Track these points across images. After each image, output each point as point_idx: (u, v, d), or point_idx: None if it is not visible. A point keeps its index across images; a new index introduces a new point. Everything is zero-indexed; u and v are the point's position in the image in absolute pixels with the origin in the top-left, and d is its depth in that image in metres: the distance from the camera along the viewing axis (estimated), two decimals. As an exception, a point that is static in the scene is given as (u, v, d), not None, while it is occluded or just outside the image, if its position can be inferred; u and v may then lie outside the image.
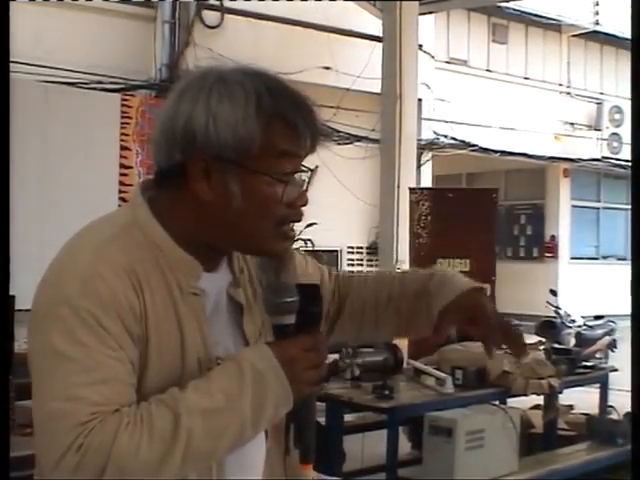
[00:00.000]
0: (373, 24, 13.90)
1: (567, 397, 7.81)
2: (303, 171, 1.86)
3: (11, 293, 4.69)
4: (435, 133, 17.75)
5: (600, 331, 12.42)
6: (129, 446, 1.59)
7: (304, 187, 1.87)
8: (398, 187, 11.97)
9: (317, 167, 1.85)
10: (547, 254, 22.73)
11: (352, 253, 17.01)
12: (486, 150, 19.17)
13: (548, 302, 13.38)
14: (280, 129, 1.79)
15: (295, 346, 1.77)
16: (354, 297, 2.23)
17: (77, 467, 1.58)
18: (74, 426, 1.59)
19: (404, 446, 7.26)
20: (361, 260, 17.06)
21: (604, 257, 23.26)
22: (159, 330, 1.75)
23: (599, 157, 21.73)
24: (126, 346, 1.69)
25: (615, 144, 21.52)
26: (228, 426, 1.68)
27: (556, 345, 8.08)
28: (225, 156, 1.76)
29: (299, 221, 1.87)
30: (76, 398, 1.61)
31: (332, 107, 13.87)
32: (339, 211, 15.66)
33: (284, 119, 1.79)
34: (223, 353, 1.83)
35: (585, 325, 12.80)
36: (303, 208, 1.87)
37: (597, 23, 21.98)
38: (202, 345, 1.81)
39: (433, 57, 17.68)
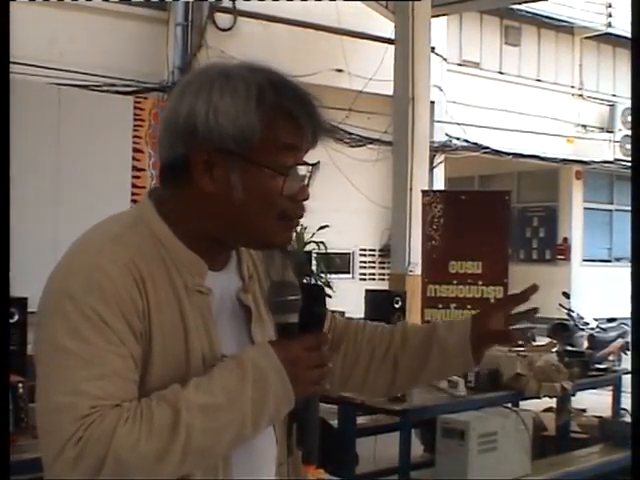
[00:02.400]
0: (385, 26, 13.92)
1: (580, 400, 7.81)
2: (304, 164, 1.87)
3: (24, 295, 4.73)
4: (447, 135, 17.75)
5: (613, 333, 12.40)
6: (128, 440, 1.59)
7: (306, 182, 1.87)
8: (410, 189, 11.99)
9: (319, 162, 1.85)
10: (560, 256, 22.70)
11: (364, 255, 17.03)
12: (498, 152, 19.16)
13: (561, 305, 13.37)
14: (282, 122, 1.80)
15: (298, 345, 1.77)
16: (350, 344, 2.19)
17: (76, 460, 1.59)
18: (74, 419, 1.60)
19: (417, 448, 7.26)
20: (373, 262, 17.08)
21: (617, 259, 23.19)
22: (163, 327, 1.76)
23: (612, 159, 21.69)
24: (128, 342, 1.70)
25: (628, 146, 21.43)
26: (228, 423, 1.68)
27: (569, 348, 8.07)
28: (226, 148, 1.78)
29: (301, 216, 1.88)
30: (77, 392, 1.62)
31: (344, 109, 13.91)
32: (351, 213, 15.69)
33: (286, 112, 1.80)
34: (226, 353, 1.83)
35: (598, 327, 12.79)
36: (305, 203, 1.87)
37: (610, 25, 21.96)
38: (207, 343, 1.82)
39: (445, 59, 17.70)
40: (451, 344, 2.12)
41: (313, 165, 1.87)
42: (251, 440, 1.77)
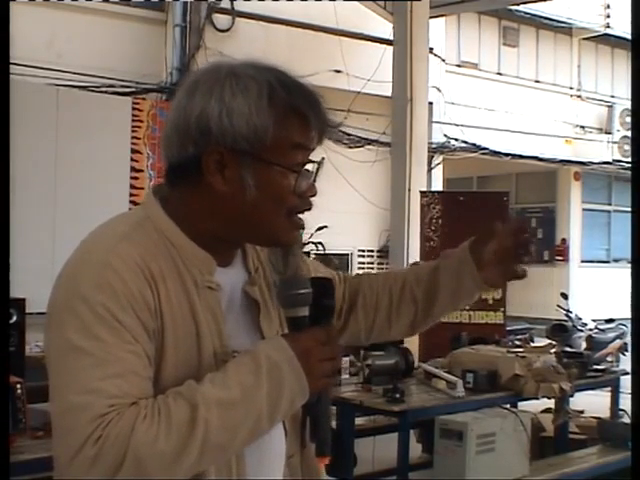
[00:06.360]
0: (384, 27, 13.92)
1: (578, 401, 7.80)
2: (311, 162, 1.88)
3: (22, 296, 4.72)
4: (446, 136, 17.74)
5: (611, 334, 12.37)
6: (147, 438, 1.60)
7: (312, 178, 1.89)
8: (409, 190, 11.98)
9: (323, 159, 1.87)
10: (558, 257, 22.71)
11: (363, 256, 17.02)
12: (497, 153, 19.16)
13: (559, 305, 13.34)
14: (292, 121, 1.82)
15: (310, 338, 1.78)
16: (366, 292, 2.23)
17: (95, 459, 1.59)
18: (92, 418, 1.61)
19: (415, 449, 7.26)
20: (372, 263, 17.07)
21: (615, 260, 23.21)
22: (175, 324, 1.77)
23: (610, 160, 21.70)
24: (142, 340, 1.71)
25: (626, 147, 21.46)
26: (245, 418, 1.69)
27: (567, 348, 8.06)
28: (239, 148, 1.78)
29: (309, 209, 1.89)
30: (93, 391, 1.63)
31: (343, 110, 13.88)
32: (350, 214, 15.68)
33: (296, 111, 1.82)
34: (238, 347, 1.84)
35: (596, 328, 12.76)
36: (312, 198, 1.89)
37: (608, 26, 21.96)
38: (218, 338, 1.83)
39: (444, 60, 17.70)
40: (455, 265, 2.16)
41: (319, 162, 1.89)
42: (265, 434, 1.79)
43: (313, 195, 1.88)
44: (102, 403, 1.62)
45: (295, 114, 1.82)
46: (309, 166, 1.88)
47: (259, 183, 1.80)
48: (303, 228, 1.93)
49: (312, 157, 1.89)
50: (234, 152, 1.79)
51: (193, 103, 1.80)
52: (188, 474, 1.66)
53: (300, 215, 1.89)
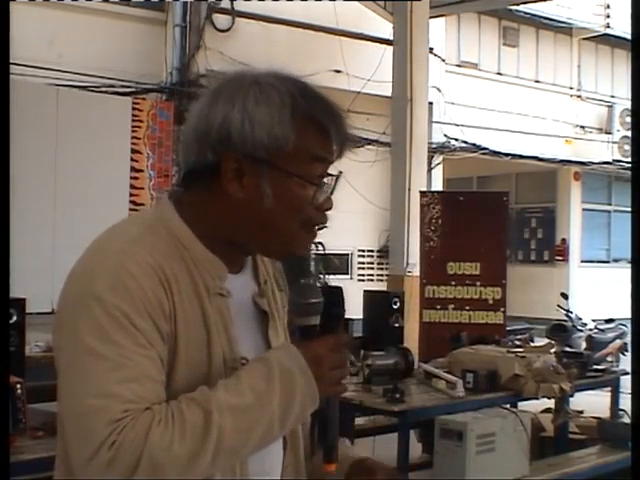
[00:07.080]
0: (384, 27, 13.93)
1: (578, 401, 7.80)
2: (329, 175, 1.89)
3: (22, 296, 4.72)
4: (446, 136, 17.75)
5: (611, 334, 12.37)
6: (162, 443, 1.61)
7: (330, 191, 1.89)
8: (409, 190, 11.99)
9: (341, 173, 1.88)
10: (558, 257, 22.71)
11: (363, 256, 17.03)
12: (497, 153, 19.18)
13: (559, 305, 13.34)
14: (313, 133, 1.83)
15: (321, 346, 1.80)
16: None
17: (110, 463, 1.60)
18: (108, 423, 1.61)
19: (415, 449, 7.25)
20: (371, 263, 17.08)
21: (615, 260, 23.20)
22: (187, 328, 1.77)
23: (610, 160, 21.71)
24: (156, 344, 1.71)
25: (626, 147, 21.46)
26: (257, 424, 1.70)
27: (567, 348, 8.06)
28: (259, 156, 1.79)
29: (324, 224, 1.91)
30: (108, 395, 1.63)
31: (343, 110, 13.89)
32: (350, 214, 15.67)
33: (318, 124, 1.83)
34: (245, 354, 1.85)
35: (596, 328, 12.75)
36: (328, 212, 1.90)
37: (608, 26, 21.97)
38: (227, 344, 1.84)
39: (444, 60, 17.72)
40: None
41: (337, 176, 1.89)
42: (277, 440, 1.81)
43: (329, 209, 1.89)
44: (117, 408, 1.63)
45: (316, 126, 1.82)
46: (327, 179, 1.88)
47: (277, 192, 1.81)
48: (315, 239, 1.93)
49: (330, 171, 1.89)
50: (253, 160, 1.79)
51: (215, 110, 1.81)
52: (201, 477, 1.67)
53: (316, 228, 1.90)
